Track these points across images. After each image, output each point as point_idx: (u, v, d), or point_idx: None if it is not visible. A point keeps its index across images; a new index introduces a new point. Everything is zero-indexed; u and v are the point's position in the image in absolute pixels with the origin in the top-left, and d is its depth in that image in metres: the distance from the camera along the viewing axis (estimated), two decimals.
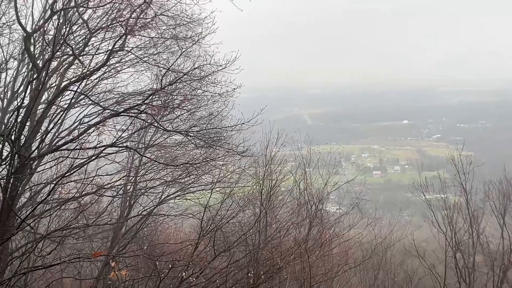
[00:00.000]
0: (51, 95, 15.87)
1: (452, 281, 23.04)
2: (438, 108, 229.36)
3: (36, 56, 14.02)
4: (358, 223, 21.44)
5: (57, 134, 15.42)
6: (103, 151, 12.64)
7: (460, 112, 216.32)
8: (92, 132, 12.62)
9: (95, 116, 15.05)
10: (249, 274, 14.40)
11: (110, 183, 16.08)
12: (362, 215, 21.96)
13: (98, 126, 12.39)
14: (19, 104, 12.86)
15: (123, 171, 18.73)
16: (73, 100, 15.27)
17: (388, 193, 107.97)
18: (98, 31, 14.52)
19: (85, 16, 13.93)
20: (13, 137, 10.08)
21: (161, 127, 14.01)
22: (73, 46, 14.39)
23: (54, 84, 15.57)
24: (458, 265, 22.48)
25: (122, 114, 12.90)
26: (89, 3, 12.82)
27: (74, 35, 15.11)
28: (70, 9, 13.32)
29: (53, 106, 14.41)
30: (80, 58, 13.87)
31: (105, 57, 13.43)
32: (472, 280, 22.30)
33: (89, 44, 14.79)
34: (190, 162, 17.62)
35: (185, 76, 14.03)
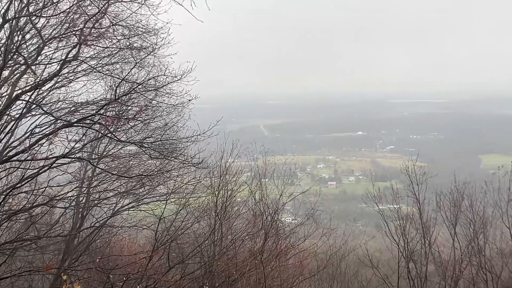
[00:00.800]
0: (2, 105, 15.53)
1: None
2: (391, 120, 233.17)
3: None
4: (313, 234, 21.56)
5: (8, 144, 15.09)
6: (55, 162, 12.43)
7: (413, 124, 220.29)
8: (44, 143, 12.39)
9: (47, 126, 14.76)
10: (204, 286, 14.34)
11: (62, 194, 15.78)
12: (317, 225, 22.10)
13: (50, 136, 12.16)
14: None
15: (76, 182, 18.42)
16: (24, 110, 14.96)
17: (343, 204, 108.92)
18: (51, 40, 14.30)
19: (39, 25, 13.71)
20: None
21: (115, 138, 13.85)
22: (26, 55, 14.14)
23: (5, 94, 15.25)
24: (411, 275, 22.82)
25: (75, 124, 12.70)
26: (42, 12, 12.62)
27: (27, 44, 14.86)
28: (22, 17, 13.10)
29: (4, 116, 14.11)
30: (33, 67, 13.64)
31: (58, 66, 13.21)
32: None
33: (42, 53, 14.55)
34: (145, 173, 17.47)
35: (140, 87, 13.94)
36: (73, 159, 15.04)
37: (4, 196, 11.78)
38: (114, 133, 13.56)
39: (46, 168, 12.78)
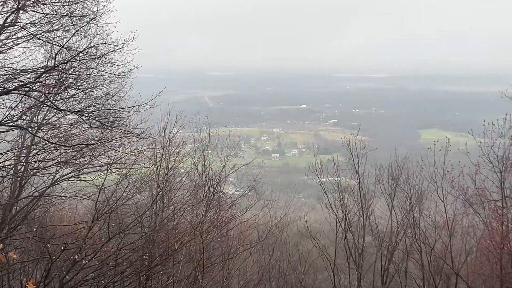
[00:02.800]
0: None
1: (343, 261, 23.88)
2: (334, 94, 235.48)
3: None
4: (255, 205, 21.70)
5: None
6: None
7: (356, 98, 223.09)
8: None
9: None
10: (144, 256, 14.30)
11: (0, 163, 15.42)
12: (259, 197, 22.22)
13: None
14: None
15: (14, 151, 17.99)
16: None
17: (286, 176, 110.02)
18: None
19: None
20: None
21: (54, 106, 13.56)
22: None
23: None
24: (348, 245, 23.33)
25: (12, 91, 12.37)
26: None
27: None
28: None
29: None
30: None
31: None
32: (361, 260, 23.20)
33: None
34: (85, 143, 17.18)
35: (80, 55, 13.63)
36: (11, 127, 14.68)
37: None
38: (53, 101, 13.26)
39: None
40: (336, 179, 23.77)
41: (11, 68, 16.57)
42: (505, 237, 18.07)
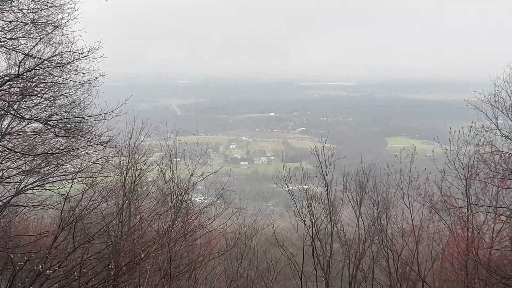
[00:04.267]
0: None
1: (311, 268, 23.97)
2: (303, 102, 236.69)
3: None
4: (223, 213, 21.69)
5: None
6: None
7: (324, 106, 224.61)
8: None
9: None
10: (110, 266, 14.14)
11: None
12: (227, 205, 22.21)
13: None
14: None
15: None
16: None
17: (255, 184, 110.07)
18: None
19: None
20: None
21: (18, 115, 13.39)
22: None
23: None
24: (316, 253, 23.43)
25: None
26: None
27: None
28: None
29: None
30: None
31: None
32: (328, 267, 23.32)
33: None
34: (50, 152, 16.96)
35: (45, 62, 13.49)
36: None
37: None
38: (17, 110, 13.09)
39: None
40: (304, 186, 23.88)
41: None
42: (470, 243, 18.34)
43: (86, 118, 16.09)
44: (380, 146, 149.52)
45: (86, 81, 16.04)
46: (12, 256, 12.14)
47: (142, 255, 13.32)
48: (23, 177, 18.92)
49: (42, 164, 18.26)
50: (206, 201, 23.17)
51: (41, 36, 13.47)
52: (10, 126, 18.29)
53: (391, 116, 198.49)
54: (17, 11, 13.77)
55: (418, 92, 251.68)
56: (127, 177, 19.33)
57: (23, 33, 15.50)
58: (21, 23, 14.43)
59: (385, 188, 22.66)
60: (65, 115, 16.05)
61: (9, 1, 13.00)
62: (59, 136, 15.99)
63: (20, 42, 15.47)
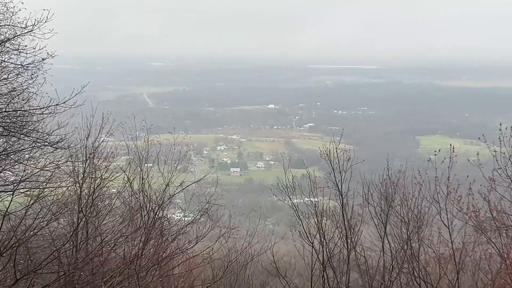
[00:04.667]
0: None
1: None
2: (311, 91, 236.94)
3: None
4: (209, 234, 21.63)
5: None
6: None
7: (338, 96, 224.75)
8: None
9: None
10: None
11: None
12: (214, 224, 22.16)
13: None
14: None
15: None
16: None
17: (249, 196, 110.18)
18: None
19: None
20: None
21: None
22: None
23: None
24: (329, 285, 23.33)
25: None
26: None
27: None
28: None
29: None
30: None
31: None
32: None
33: None
34: None
35: None
36: None
37: None
38: None
39: None
40: (313, 200, 23.78)
41: None
42: None
43: (30, 111, 16.03)
44: (410, 147, 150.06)
45: (31, 64, 15.97)
46: None
47: None
48: None
49: None
50: (186, 218, 23.13)
51: None
52: None
53: (423, 109, 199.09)
54: None
55: (458, 78, 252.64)
56: (84, 187, 19.24)
57: None
58: None
59: (417, 202, 22.56)
60: (3, 107, 15.97)
61: None
62: None
63: None
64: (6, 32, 14.31)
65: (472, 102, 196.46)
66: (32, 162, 19.14)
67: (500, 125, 19.28)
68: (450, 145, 20.84)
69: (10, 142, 17.55)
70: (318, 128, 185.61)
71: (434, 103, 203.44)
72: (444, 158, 20.66)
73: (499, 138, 19.15)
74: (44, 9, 14.20)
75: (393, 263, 22.84)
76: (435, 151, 20.99)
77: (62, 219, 19.38)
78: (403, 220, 22.68)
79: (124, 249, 18.56)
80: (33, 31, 14.13)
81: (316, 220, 23.62)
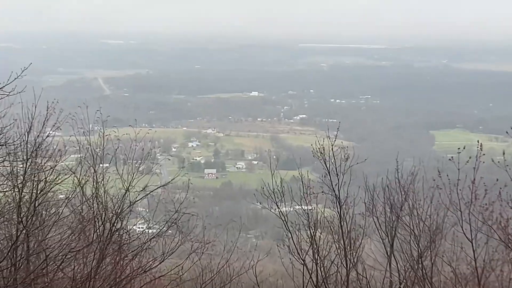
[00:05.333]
0: None
1: None
2: (303, 75, 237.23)
3: None
4: (178, 250, 21.59)
5: None
6: None
7: (335, 82, 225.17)
8: None
9: None
10: None
11: None
12: (184, 237, 22.13)
13: None
14: None
15: None
16: None
17: (227, 203, 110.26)
18: None
19: None
20: None
21: None
22: None
23: None
24: None
25: None
26: None
27: None
28: None
29: None
30: None
31: None
32: None
33: None
34: None
35: None
36: None
37: None
38: None
39: None
40: (306, 208, 23.77)
41: None
42: None
43: None
44: (424, 143, 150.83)
45: None
46: None
47: None
48: None
49: None
50: (150, 231, 23.07)
51: None
52: None
53: (439, 98, 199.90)
54: None
55: (481, 60, 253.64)
56: (25, 193, 19.14)
57: None
58: None
59: (431, 210, 22.56)
60: None
61: None
62: None
63: None
64: None
65: (498, 90, 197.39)
66: None
67: None
68: (478, 141, 20.72)
69: None
70: (311, 121, 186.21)
71: (452, 91, 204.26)
72: (469, 158, 20.57)
73: None
74: None
75: (401, 285, 22.87)
76: (459, 148, 20.80)
77: None
78: (412, 232, 22.68)
79: (74, 268, 18.48)
80: None
81: (309, 232, 23.61)
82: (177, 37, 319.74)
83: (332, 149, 22.94)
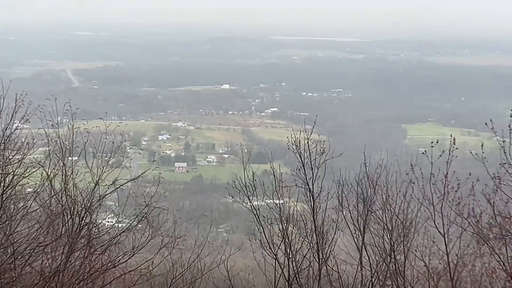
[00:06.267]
0: None
1: None
2: (274, 68, 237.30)
3: None
4: (149, 245, 21.54)
5: None
6: None
7: (308, 75, 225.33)
8: None
9: None
10: None
11: None
12: (154, 231, 22.07)
13: None
14: None
15: None
16: None
17: (198, 197, 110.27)
18: None
19: None
20: None
21: None
22: None
23: None
24: None
25: None
26: None
27: None
28: None
29: None
30: None
31: None
32: None
33: None
34: None
35: None
36: None
37: None
38: None
39: None
40: (278, 202, 23.74)
41: None
42: None
43: None
44: (396, 137, 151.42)
45: None
46: None
47: None
48: None
49: None
50: (120, 225, 22.98)
51: None
52: None
53: (412, 91, 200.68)
54: None
55: (455, 53, 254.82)
56: None
57: None
58: None
59: (403, 204, 22.59)
60: None
61: None
62: None
63: None
64: None
65: (471, 84, 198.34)
66: None
67: None
68: (451, 135, 20.80)
69: None
70: (283, 114, 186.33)
71: (425, 85, 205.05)
72: (443, 152, 20.65)
73: (509, 127, 19.04)
74: None
75: (373, 279, 22.88)
76: (432, 142, 20.85)
77: None
78: (385, 227, 22.70)
79: (43, 262, 18.40)
80: None
81: (281, 227, 23.59)
82: (148, 29, 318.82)
83: (308, 143, 22.93)
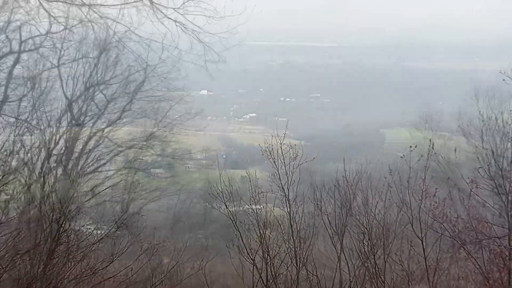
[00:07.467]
0: None
1: None
2: (252, 73, 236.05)
3: None
4: (128, 251, 21.56)
5: None
6: None
7: (286, 79, 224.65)
8: None
9: None
10: None
11: None
12: (134, 238, 22.10)
13: None
14: None
15: None
16: None
17: (176, 203, 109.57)
18: None
19: None
20: None
21: None
22: None
23: None
24: None
25: None
26: None
27: None
28: None
29: None
30: None
31: None
32: None
33: None
34: None
35: None
36: None
37: None
38: None
39: None
40: (255, 208, 23.79)
41: None
42: None
43: None
44: (374, 142, 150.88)
45: None
46: None
47: None
48: None
49: None
50: (98, 232, 22.99)
51: None
52: None
53: (388, 96, 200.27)
54: None
55: (430, 58, 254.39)
56: None
57: None
58: None
59: (382, 209, 22.69)
60: None
61: None
62: None
63: None
64: None
65: (448, 88, 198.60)
66: None
67: (481, 114, 19.40)
68: (430, 140, 20.93)
69: None
70: (261, 120, 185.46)
71: (401, 89, 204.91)
72: (421, 156, 20.75)
73: (481, 131, 19.22)
74: None
75: (352, 283, 22.97)
76: (411, 146, 21.00)
77: None
78: (365, 230, 22.78)
79: (19, 271, 18.37)
80: None
81: (258, 232, 23.64)
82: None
83: (281, 148, 23.00)
